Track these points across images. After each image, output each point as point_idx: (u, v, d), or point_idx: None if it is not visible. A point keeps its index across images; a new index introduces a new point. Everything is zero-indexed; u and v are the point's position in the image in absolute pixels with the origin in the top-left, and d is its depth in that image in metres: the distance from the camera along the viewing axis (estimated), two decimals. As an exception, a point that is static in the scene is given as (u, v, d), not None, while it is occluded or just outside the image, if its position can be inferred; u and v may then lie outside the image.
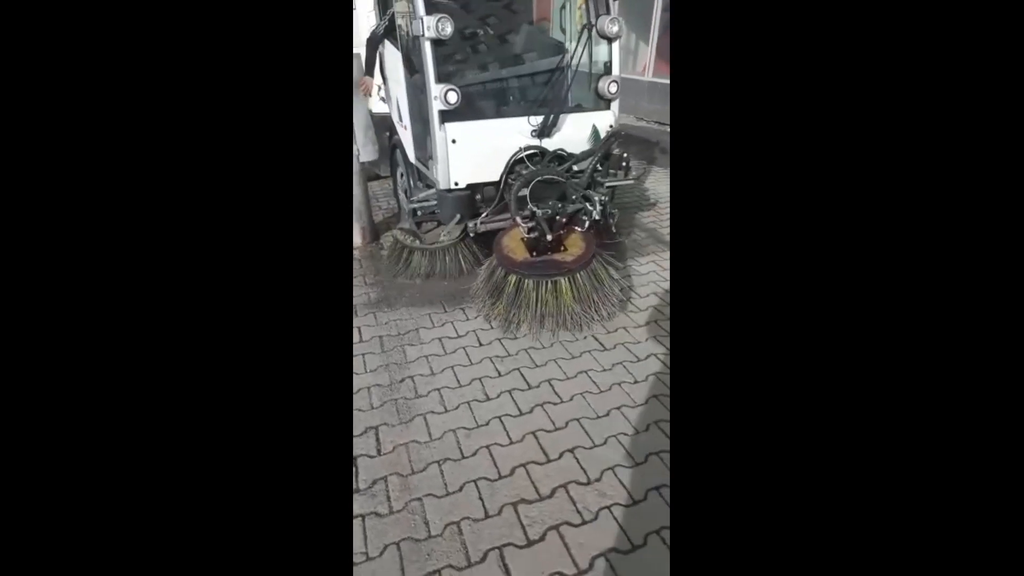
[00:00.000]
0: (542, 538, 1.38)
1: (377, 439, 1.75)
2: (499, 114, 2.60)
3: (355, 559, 1.34)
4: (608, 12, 2.50)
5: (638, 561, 1.32)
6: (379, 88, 3.46)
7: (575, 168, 2.55)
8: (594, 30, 2.51)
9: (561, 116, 2.57)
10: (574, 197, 2.46)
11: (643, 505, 1.47)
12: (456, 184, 2.52)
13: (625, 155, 2.61)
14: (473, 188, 2.57)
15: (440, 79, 2.31)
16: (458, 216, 2.64)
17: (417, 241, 2.80)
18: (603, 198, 2.44)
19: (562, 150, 2.57)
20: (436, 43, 2.24)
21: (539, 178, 2.40)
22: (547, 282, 2.20)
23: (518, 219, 2.35)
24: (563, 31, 2.93)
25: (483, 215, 2.59)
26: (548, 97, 2.58)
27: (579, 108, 2.71)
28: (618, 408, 1.85)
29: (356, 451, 1.70)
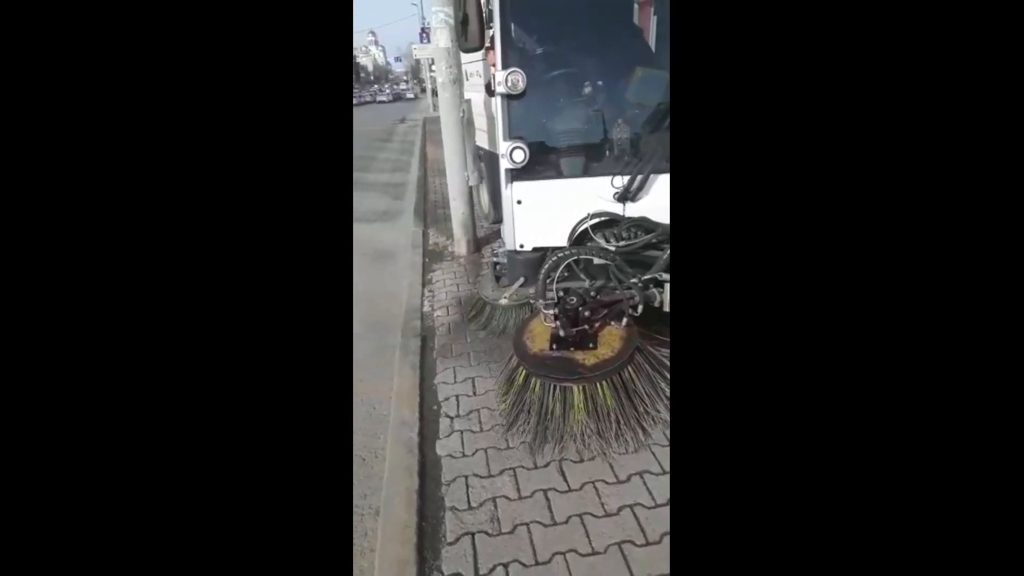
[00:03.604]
0: (592, 459, 1.80)
1: (473, 385, 2.28)
2: (576, 173, 2.25)
3: (455, 455, 1.86)
4: None
5: (666, 481, 1.69)
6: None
7: (656, 241, 2.08)
8: None
9: (654, 177, 2.14)
10: (630, 282, 2.06)
11: (677, 447, 1.84)
12: (521, 247, 2.31)
13: None
14: (543, 252, 2.29)
15: (510, 136, 2.13)
16: (523, 279, 2.49)
17: (487, 293, 2.77)
18: None
19: (644, 218, 2.14)
20: (510, 98, 2.10)
21: (573, 259, 2.06)
22: (555, 387, 1.79)
23: (539, 304, 1.99)
24: None
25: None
26: (641, 153, 2.17)
27: None
28: (668, 382, 2.22)
29: (457, 392, 2.24)
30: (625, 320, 1.96)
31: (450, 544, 1.52)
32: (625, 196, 2.16)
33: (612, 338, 1.92)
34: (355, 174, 8.12)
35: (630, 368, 1.83)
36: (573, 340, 1.89)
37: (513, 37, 2.12)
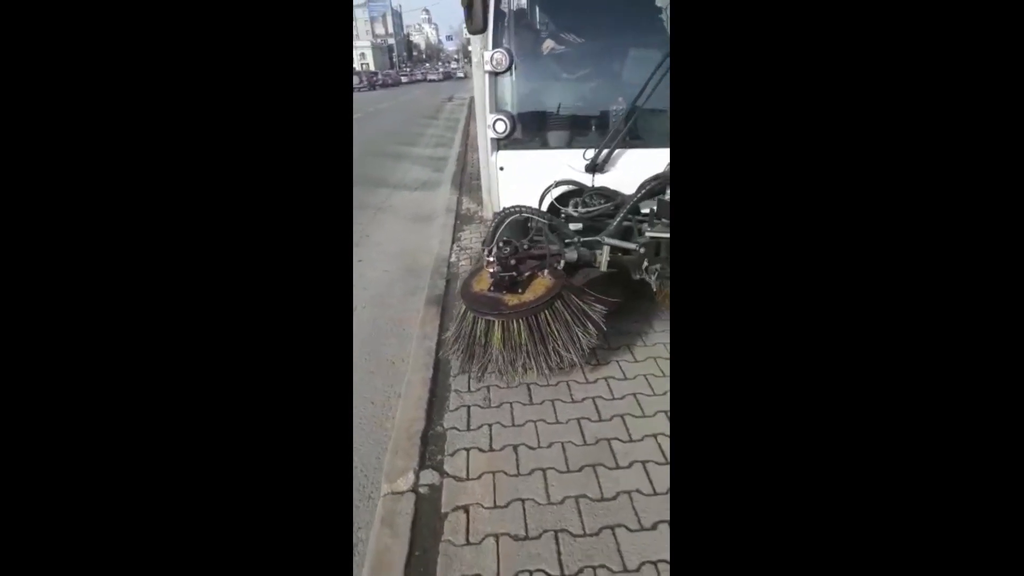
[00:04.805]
0: (571, 366, 2.22)
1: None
2: (553, 144, 2.56)
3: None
4: None
5: (625, 384, 2.14)
6: None
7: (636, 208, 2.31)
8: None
9: (622, 151, 2.44)
10: (566, 241, 2.36)
11: (641, 362, 2.27)
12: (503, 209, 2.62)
13: None
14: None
15: (495, 108, 2.46)
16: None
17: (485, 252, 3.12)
18: (640, 248, 2.26)
19: (605, 188, 2.47)
20: (493, 75, 2.44)
21: (513, 217, 2.44)
22: (481, 320, 2.12)
23: (484, 252, 2.26)
24: None
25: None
26: (610, 130, 2.44)
27: (645, 143, 2.48)
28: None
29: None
30: (547, 272, 2.20)
31: (451, 411, 2.03)
32: (594, 167, 2.46)
33: (539, 286, 2.15)
34: (402, 148, 8.73)
35: (547, 312, 2.08)
36: (504, 284, 2.16)
37: (505, 22, 2.45)
